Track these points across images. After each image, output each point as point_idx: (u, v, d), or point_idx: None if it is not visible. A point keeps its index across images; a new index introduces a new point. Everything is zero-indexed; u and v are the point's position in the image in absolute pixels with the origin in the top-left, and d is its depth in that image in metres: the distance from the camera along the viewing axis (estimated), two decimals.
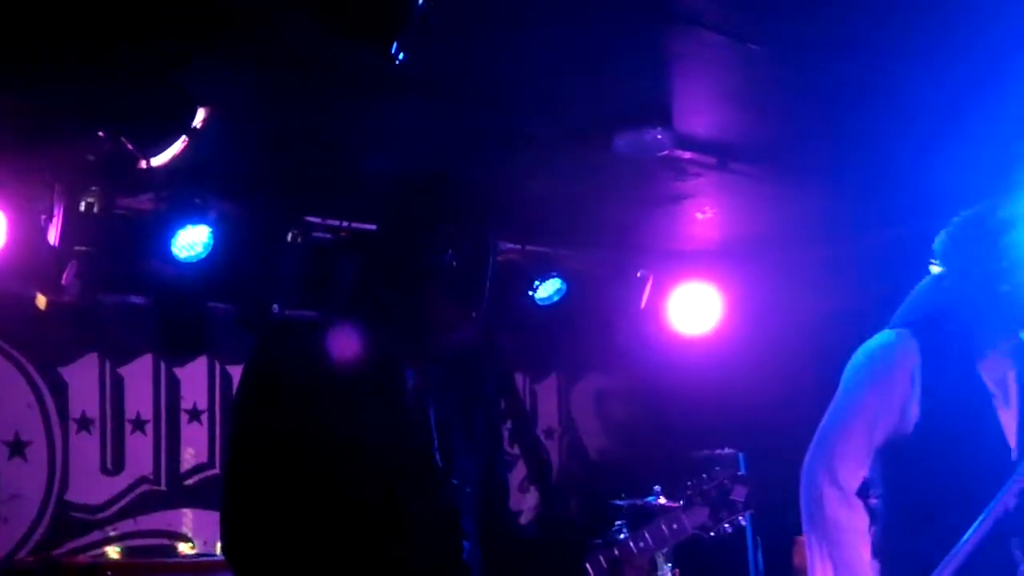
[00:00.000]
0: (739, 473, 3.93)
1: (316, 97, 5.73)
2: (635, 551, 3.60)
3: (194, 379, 8.04)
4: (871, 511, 3.97)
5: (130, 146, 5.60)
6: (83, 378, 7.61)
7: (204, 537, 7.71)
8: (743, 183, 7.11)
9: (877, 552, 3.92)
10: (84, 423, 7.58)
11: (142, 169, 5.74)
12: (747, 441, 7.65)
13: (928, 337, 3.87)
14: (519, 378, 9.19)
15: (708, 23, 5.14)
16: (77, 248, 6.65)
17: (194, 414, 8.01)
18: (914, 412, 3.83)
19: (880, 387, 3.88)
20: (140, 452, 7.78)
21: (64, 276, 6.68)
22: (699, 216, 7.88)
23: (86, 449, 7.57)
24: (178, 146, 5.60)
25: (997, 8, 4.91)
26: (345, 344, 3.12)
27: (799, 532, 4.09)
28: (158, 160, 5.69)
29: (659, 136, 6.13)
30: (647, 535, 3.68)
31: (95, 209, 6.51)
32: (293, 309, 7.22)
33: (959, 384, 3.85)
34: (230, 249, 6.89)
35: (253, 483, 3.05)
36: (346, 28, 4.67)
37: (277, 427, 3.06)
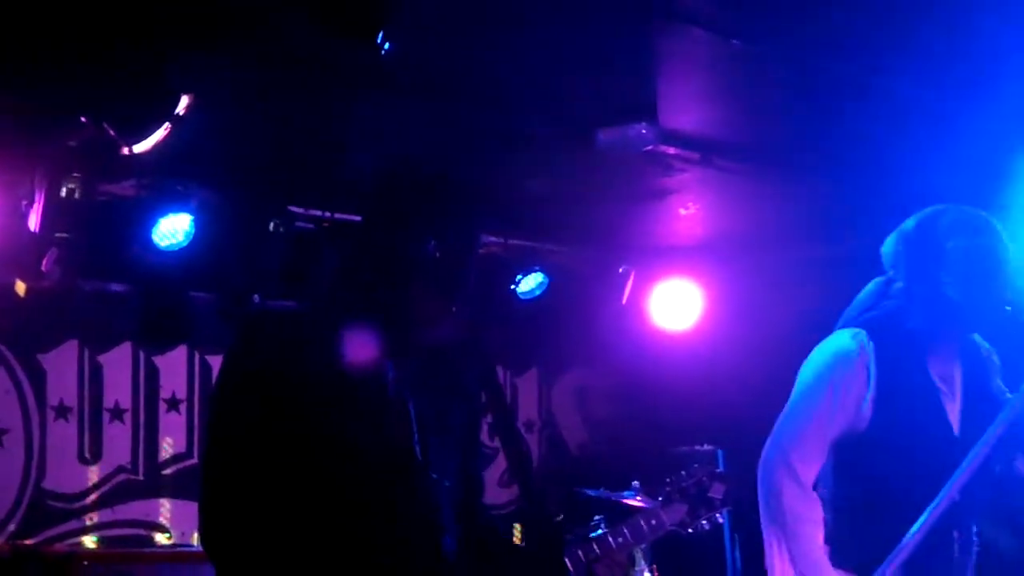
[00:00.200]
0: (718, 470, 3.96)
1: (300, 88, 5.72)
2: (613, 546, 3.60)
3: (173, 368, 8.01)
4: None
5: (112, 132, 5.58)
6: (62, 366, 7.58)
7: (182, 527, 7.69)
8: (727, 180, 7.12)
9: (828, 541, 4.04)
10: (62, 411, 7.54)
11: (124, 156, 5.71)
12: (726, 438, 7.65)
13: (882, 337, 4.01)
14: (500, 372, 9.19)
15: (694, 19, 5.14)
16: (58, 235, 6.61)
17: (173, 403, 7.98)
18: (868, 409, 3.98)
19: (837, 385, 4.00)
20: (118, 441, 7.75)
21: (44, 263, 6.65)
22: (682, 212, 7.89)
23: (64, 437, 7.54)
24: (160, 133, 5.58)
25: (988, 8, 4.92)
26: (326, 336, 3.10)
27: None
28: (140, 147, 5.66)
29: (643, 131, 6.13)
30: (626, 530, 3.68)
31: (76, 195, 6.47)
32: (274, 299, 7.20)
33: (911, 382, 4.00)
34: (212, 238, 6.87)
35: (232, 474, 3.04)
36: (331, 18, 4.66)
37: (256, 418, 3.04)
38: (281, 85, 5.69)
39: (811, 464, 4.03)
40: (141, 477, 7.81)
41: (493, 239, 7.95)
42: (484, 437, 3.47)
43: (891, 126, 6.18)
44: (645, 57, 5.57)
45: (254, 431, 3.04)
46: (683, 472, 3.95)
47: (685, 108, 6.23)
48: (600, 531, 3.66)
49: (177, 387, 8.01)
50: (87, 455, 7.62)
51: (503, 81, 5.78)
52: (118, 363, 7.80)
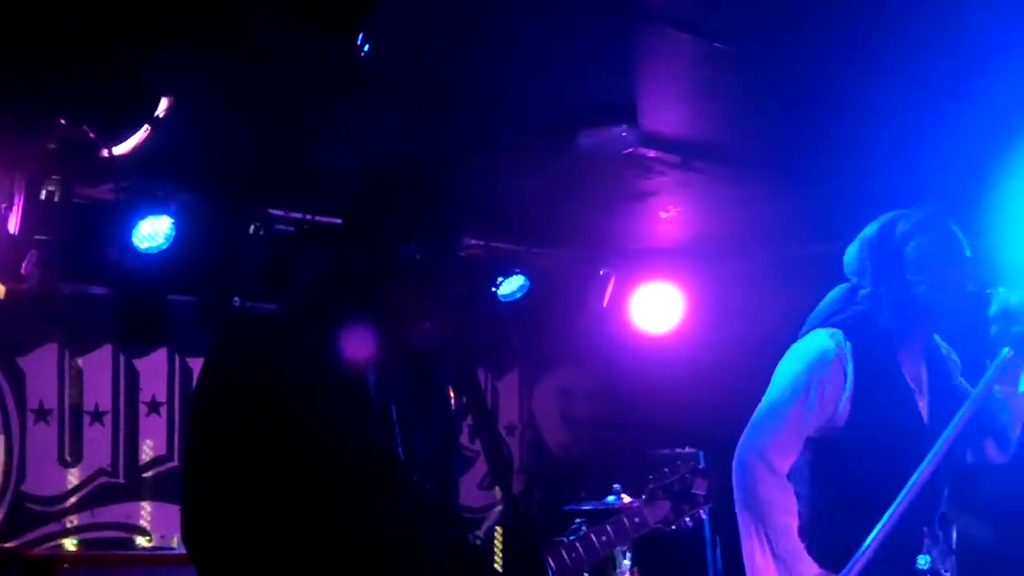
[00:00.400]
0: (700, 467, 3.98)
1: (281, 90, 5.71)
2: (597, 545, 3.61)
3: (154, 371, 7.99)
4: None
5: (92, 134, 5.56)
6: (41, 368, 7.55)
7: (162, 530, 7.67)
8: (707, 182, 7.13)
9: (803, 536, 4.12)
10: (42, 414, 7.52)
11: (104, 158, 5.70)
12: (707, 440, 7.66)
13: (857, 337, 4.15)
14: (481, 374, 9.19)
15: (674, 21, 5.15)
16: (37, 237, 6.60)
17: (153, 406, 7.96)
18: (846, 406, 4.11)
19: (816, 383, 4.12)
20: (98, 444, 7.73)
21: (24, 265, 6.63)
22: (663, 215, 7.90)
23: (44, 440, 7.52)
24: (140, 135, 5.57)
25: (967, 12, 4.95)
26: (307, 339, 3.10)
27: None
28: (120, 149, 5.65)
29: (624, 134, 6.14)
30: (609, 529, 3.70)
31: (56, 198, 6.45)
32: (255, 302, 7.19)
33: (887, 381, 4.16)
34: (192, 241, 6.86)
35: (214, 477, 3.03)
36: (311, 20, 4.65)
37: (238, 422, 3.03)
38: (261, 87, 5.68)
39: (786, 457, 4.13)
40: (121, 480, 7.79)
41: (475, 242, 7.96)
42: (465, 440, 3.46)
43: (871, 128, 6.20)
44: (626, 60, 5.58)
45: (235, 435, 3.03)
46: (666, 469, 3.99)
47: (665, 111, 6.23)
48: (582, 531, 3.67)
49: (157, 390, 7.99)
50: (67, 458, 7.60)
51: (483, 83, 5.78)
52: (98, 366, 7.78)
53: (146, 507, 7.82)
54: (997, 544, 6.38)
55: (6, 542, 7.15)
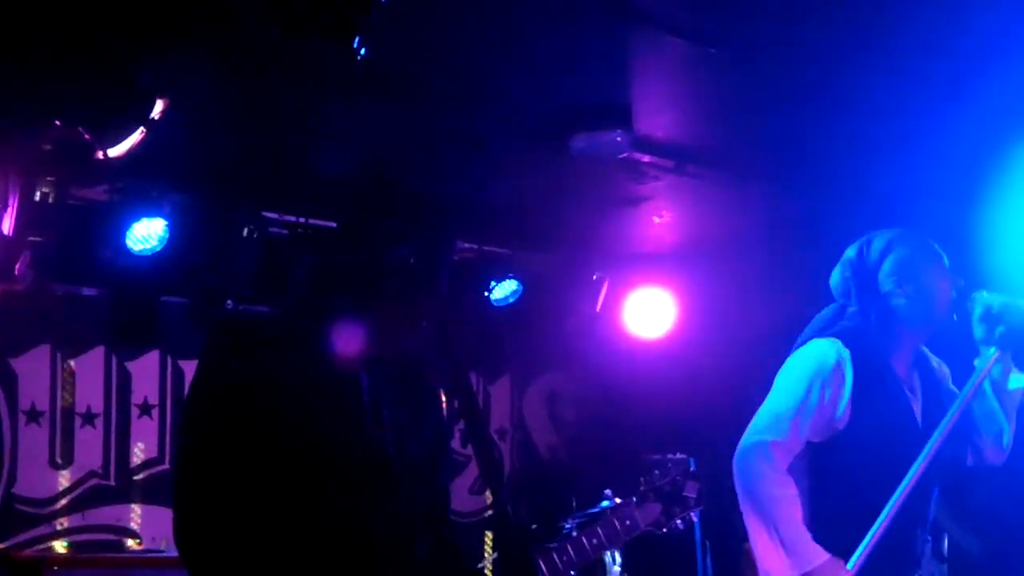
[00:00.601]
0: (691, 470, 3.99)
1: (275, 93, 5.71)
2: (587, 548, 3.61)
3: (146, 373, 7.98)
4: None
5: (87, 136, 5.56)
6: (33, 370, 7.54)
7: (153, 533, 7.66)
8: (700, 187, 7.14)
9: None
10: (33, 415, 7.51)
11: (98, 159, 5.70)
12: (699, 444, 7.66)
13: (853, 346, 4.34)
14: (473, 378, 9.18)
15: (669, 26, 5.15)
16: (31, 238, 6.59)
17: (145, 408, 7.95)
18: (847, 411, 4.28)
19: (818, 388, 4.29)
20: (90, 446, 7.71)
21: (17, 266, 6.63)
22: (656, 220, 7.91)
23: (35, 441, 7.51)
24: (136, 137, 5.57)
25: (959, 15, 4.97)
26: (299, 342, 3.10)
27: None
28: (115, 151, 5.65)
29: (618, 138, 6.15)
30: (599, 531, 3.70)
31: (50, 199, 6.45)
32: (247, 304, 7.19)
33: (884, 386, 4.35)
34: (185, 243, 6.85)
35: (206, 480, 3.03)
36: (308, 24, 4.66)
37: (230, 425, 3.04)
38: (256, 90, 5.68)
39: (787, 456, 4.27)
40: (112, 482, 7.78)
41: (467, 246, 7.95)
42: (456, 444, 3.47)
43: (864, 132, 6.22)
44: (620, 64, 5.59)
45: (227, 437, 3.04)
46: (656, 472, 4.00)
47: (660, 116, 6.24)
48: (574, 534, 3.67)
49: (149, 392, 7.98)
50: (58, 460, 7.59)
51: (478, 87, 5.79)
52: (90, 367, 7.77)
53: (137, 509, 7.81)
54: (987, 553, 6.40)
55: None
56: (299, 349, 3.09)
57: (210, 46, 5.16)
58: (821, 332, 4.45)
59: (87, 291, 7.60)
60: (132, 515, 7.79)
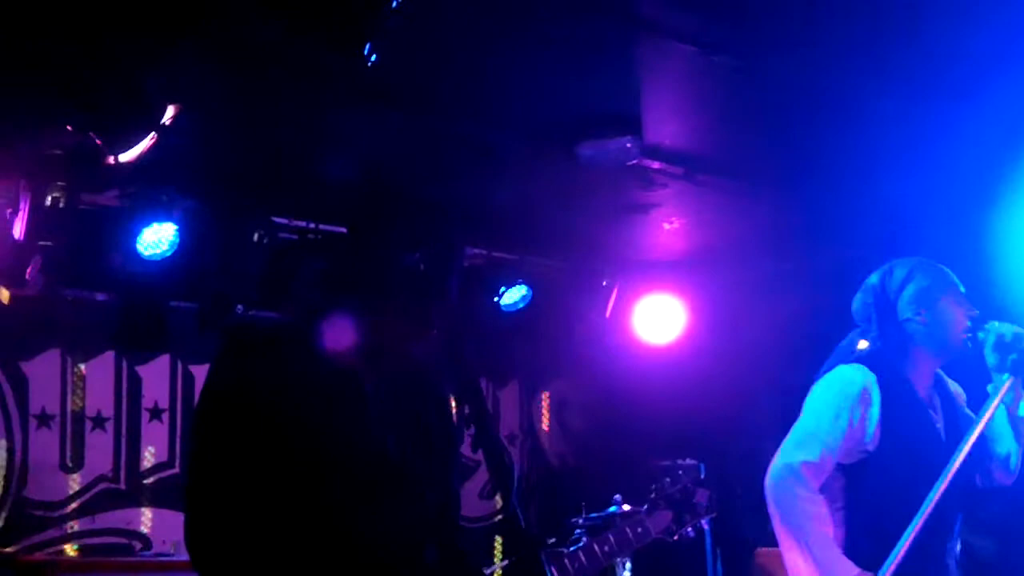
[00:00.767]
0: (702, 477, 3.99)
1: (285, 99, 5.72)
2: (599, 555, 3.61)
3: (156, 378, 8.00)
4: None
5: (98, 141, 5.57)
6: (44, 374, 7.57)
7: (162, 536, 7.68)
8: (710, 194, 7.13)
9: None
10: (44, 419, 7.53)
11: (109, 165, 5.71)
12: (708, 451, 7.66)
13: (879, 370, 4.53)
14: (483, 384, 9.18)
15: (678, 35, 5.16)
16: (42, 243, 6.61)
17: (155, 413, 7.97)
18: (876, 432, 4.47)
19: (847, 412, 4.47)
20: (100, 450, 7.74)
21: (28, 271, 6.64)
22: (666, 227, 7.90)
23: (46, 445, 7.53)
24: (146, 142, 5.58)
25: (964, 27, 4.98)
26: (308, 347, 3.10)
27: (759, 543, 4.30)
28: (126, 156, 5.66)
29: (628, 145, 6.15)
30: (611, 538, 3.69)
31: (61, 204, 6.47)
32: (257, 309, 7.19)
33: (910, 408, 4.55)
34: (195, 248, 6.86)
35: (217, 485, 3.04)
36: (318, 30, 4.67)
37: (240, 430, 3.04)
38: (265, 96, 5.69)
39: (818, 477, 4.44)
40: (122, 486, 7.80)
41: (477, 251, 7.95)
42: (466, 449, 3.46)
43: (874, 140, 6.21)
44: (629, 72, 5.59)
45: (237, 441, 3.04)
46: (667, 479, 4.00)
47: (669, 123, 6.24)
48: (584, 541, 3.67)
49: (160, 396, 8.00)
50: (69, 463, 7.61)
51: (487, 95, 5.79)
52: (101, 372, 7.79)
53: (146, 513, 7.82)
54: (1000, 557, 6.41)
55: (6, 547, 7.15)
56: (309, 355, 3.09)
57: (220, 51, 5.17)
58: (845, 358, 4.62)
59: (97, 296, 7.62)
60: (142, 519, 7.80)
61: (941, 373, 4.74)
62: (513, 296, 8.11)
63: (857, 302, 4.74)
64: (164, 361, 8.03)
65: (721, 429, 8.31)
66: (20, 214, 6.40)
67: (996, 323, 4.48)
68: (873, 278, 4.71)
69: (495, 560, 8.85)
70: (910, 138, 6.13)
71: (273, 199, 7.15)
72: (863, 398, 4.48)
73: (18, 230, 6.43)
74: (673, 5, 5.02)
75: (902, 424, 4.49)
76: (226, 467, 3.03)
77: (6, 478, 7.34)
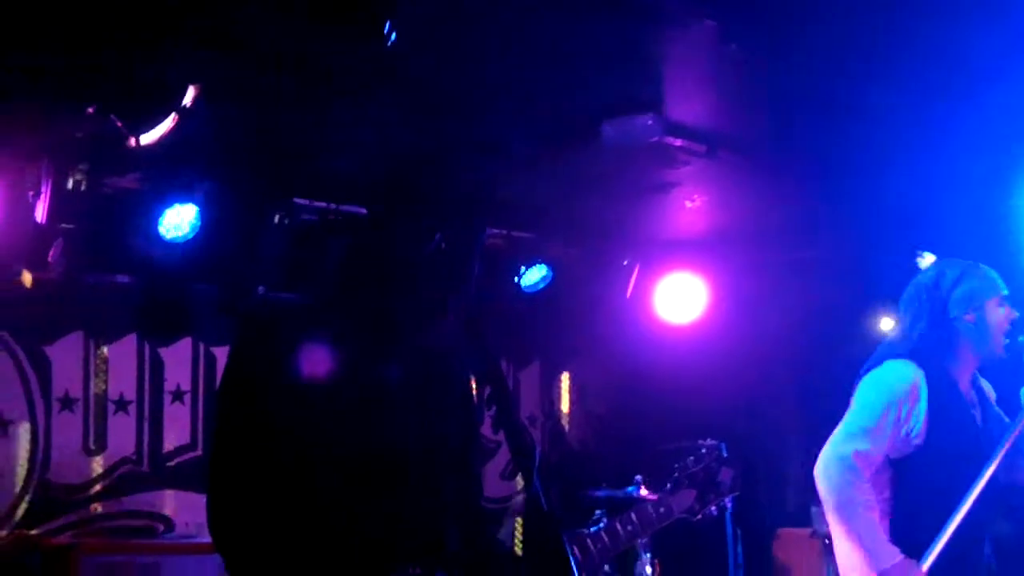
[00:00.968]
0: (724, 456, 3.99)
1: (307, 82, 5.71)
2: (622, 535, 3.60)
3: (178, 360, 8.02)
4: None
5: (119, 124, 5.58)
6: (67, 357, 7.59)
7: (185, 519, 7.70)
8: (733, 173, 7.11)
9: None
10: (67, 402, 7.56)
11: (131, 147, 5.71)
12: (728, 432, 7.65)
13: (927, 367, 4.82)
14: (503, 365, 9.18)
15: (701, 13, 5.14)
16: (64, 226, 6.63)
17: (178, 395, 7.99)
18: (924, 425, 4.74)
19: (898, 406, 4.75)
20: (123, 432, 7.76)
21: (51, 254, 6.67)
22: (688, 204, 7.87)
23: (69, 428, 7.55)
24: (167, 125, 5.58)
25: (979, 21, 5.01)
26: (329, 330, 3.11)
27: (780, 524, 4.33)
28: (147, 138, 5.67)
29: (649, 123, 6.13)
30: (634, 518, 3.69)
31: (83, 187, 6.48)
32: (278, 291, 7.20)
33: (954, 402, 4.83)
34: (217, 230, 6.87)
35: (238, 468, 3.04)
36: (336, 12, 4.66)
37: (259, 413, 3.05)
38: (286, 79, 5.68)
39: (868, 466, 4.73)
40: (145, 468, 7.82)
41: (496, 232, 7.94)
42: (487, 430, 3.47)
43: (896, 128, 6.19)
44: (651, 49, 5.57)
45: (258, 425, 3.05)
46: (691, 458, 4.01)
47: (691, 100, 6.22)
48: (606, 521, 3.66)
49: (182, 379, 8.02)
50: (92, 446, 7.64)
51: (509, 74, 5.78)
52: (123, 355, 7.81)
53: (169, 495, 7.84)
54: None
55: (31, 529, 7.19)
56: (328, 339, 3.09)
57: (241, 34, 5.17)
58: (894, 353, 4.88)
59: (119, 278, 7.64)
60: (165, 501, 7.82)
61: (977, 374, 5.00)
62: (533, 276, 8.10)
63: (908, 295, 5.01)
64: (186, 343, 8.04)
65: (742, 409, 8.29)
66: (42, 197, 6.41)
67: None
68: (925, 276, 5.01)
69: (516, 540, 8.86)
70: (938, 129, 6.13)
71: (294, 180, 7.15)
72: (912, 394, 4.74)
73: (40, 213, 6.44)
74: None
75: (948, 420, 4.77)
76: (247, 449, 3.04)
77: (30, 461, 7.37)
